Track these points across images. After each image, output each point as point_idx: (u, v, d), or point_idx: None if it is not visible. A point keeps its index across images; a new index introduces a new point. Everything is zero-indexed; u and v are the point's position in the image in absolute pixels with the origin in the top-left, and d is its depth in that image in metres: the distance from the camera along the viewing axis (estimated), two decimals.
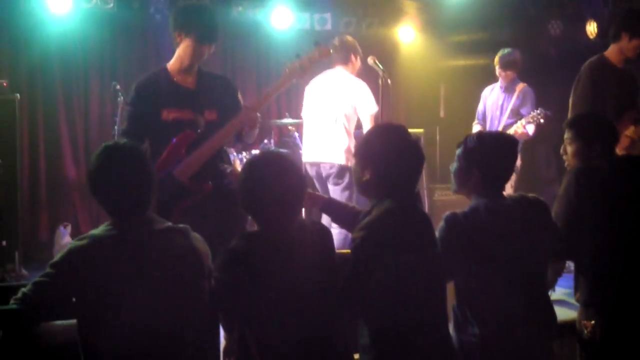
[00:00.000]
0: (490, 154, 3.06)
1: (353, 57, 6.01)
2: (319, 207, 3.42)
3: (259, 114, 4.00)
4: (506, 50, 6.86)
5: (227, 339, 3.21)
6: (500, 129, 6.60)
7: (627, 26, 5.05)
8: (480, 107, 7.12)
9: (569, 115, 5.10)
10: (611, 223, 3.35)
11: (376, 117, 5.79)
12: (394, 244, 2.75)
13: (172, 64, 4.06)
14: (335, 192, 5.74)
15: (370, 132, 3.09)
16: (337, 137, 5.80)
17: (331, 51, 4.12)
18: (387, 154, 2.88)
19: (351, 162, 5.70)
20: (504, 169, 3.15)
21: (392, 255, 2.73)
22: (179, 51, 4.02)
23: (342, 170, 5.78)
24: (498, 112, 6.87)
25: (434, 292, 2.89)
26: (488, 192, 3.05)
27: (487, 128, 6.76)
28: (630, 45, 5.03)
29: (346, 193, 5.73)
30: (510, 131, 6.41)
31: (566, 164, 3.67)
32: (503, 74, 6.82)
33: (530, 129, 6.46)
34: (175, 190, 3.77)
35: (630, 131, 4.93)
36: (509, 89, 6.83)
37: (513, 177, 6.60)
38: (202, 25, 3.95)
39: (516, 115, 6.69)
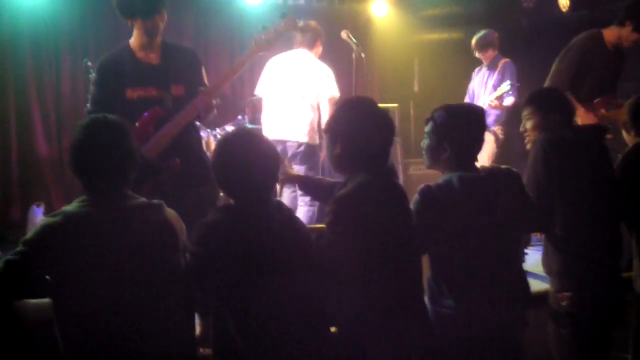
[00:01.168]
0: (459, 126, 3.07)
1: (318, 43, 5.98)
2: (298, 186, 3.43)
3: (215, 99, 3.97)
4: (481, 33, 7.01)
5: (201, 325, 3.21)
6: (484, 105, 6.68)
7: (634, 17, 4.99)
8: (470, 86, 7.30)
9: (547, 80, 5.12)
10: (580, 191, 3.40)
11: (338, 100, 5.80)
12: (368, 216, 2.75)
13: (133, 41, 4.03)
14: (300, 171, 5.64)
15: (338, 106, 3.10)
16: (304, 115, 5.78)
17: (299, 23, 4.07)
18: (356, 126, 2.90)
19: (313, 141, 5.73)
20: (475, 140, 3.15)
21: (366, 228, 2.74)
22: (135, 31, 4.00)
23: (309, 149, 5.77)
24: (483, 89, 6.99)
25: (409, 265, 2.91)
26: (461, 165, 3.06)
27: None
28: (630, 36, 5.02)
29: (311, 173, 5.68)
30: (485, 106, 6.52)
31: (526, 140, 3.69)
32: (482, 55, 6.93)
33: (509, 101, 6.57)
34: (144, 169, 3.75)
35: (600, 114, 4.97)
36: (491, 67, 7.01)
37: (493, 151, 6.70)
38: (138, 3, 3.89)
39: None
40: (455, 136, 3.07)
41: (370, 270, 2.76)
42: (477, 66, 7.26)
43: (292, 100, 5.79)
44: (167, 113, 3.88)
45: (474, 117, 3.16)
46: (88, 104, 6.34)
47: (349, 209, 2.77)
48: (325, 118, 5.76)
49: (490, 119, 6.75)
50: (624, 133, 3.91)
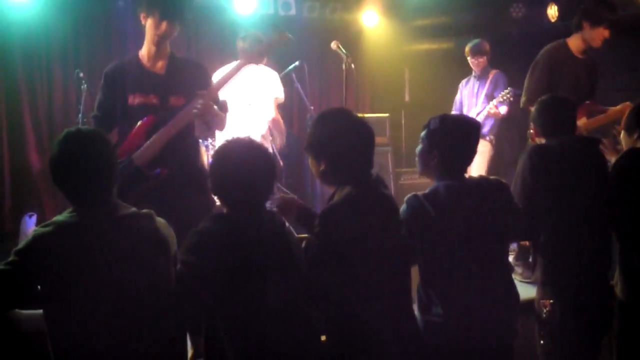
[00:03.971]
0: (450, 136, 3.09)
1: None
2: (294, 217, 3.21)
3: (214, 102, 3.98)
4: (476, 41, 7.07)
5: (193, 347, 3.18)
6: (475, 114, 6.74)
7: (587, 15, 5.07)
8: (457, 97, 7.31)
9: (522, 97, 5.20)
10: (564, 200, 3.44)
11: (280, 107, 5.95)
12: (355, 229, 2.77)
13: (142, 51, 4.09)
14: None
15: (314, 122, 3.07)
16: (253, 122, 5.82)
17: (289, 36, 4.11)
18: (337, 142, 2.90)
19: (270, 147, 5.78)
20: (465, 152, 3.17)
21: (353, 241, 2.76)
22: (146, 34, 4.03)
23: None
24: (474, 99, 7.04)
25: (399, 274, 2.93)
26: (449, 174, 3.09)
27: None
28: (593, 33, 5.08)
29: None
30: (484, 112, 6.59)
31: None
32: (475, 61, 6.97)
33: (503, 109, 6.65)
34: (132, 175, 3.76)
35: (582, 122, 5.01)
36: (481, 77, 7.04)
37: (490, 159, 6.74)
38: (164, 2, 3.93)
39: (490, 99, 6.84)
40: (445, 144, 3.09)
41: (359, 282, 2.77)
42: (467, 76, 7.30)
43: (239, 108, 5.79)
44: (161, 121, 3.90)
45: (468, 129, 3.18)
46: (80, 114, 6.39)
47: (336, 222, 2.79)
48: (270, 115, 5.89)
49: (485, 129, 6.82)
50: (623, 134, 3.91)
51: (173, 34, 4.02)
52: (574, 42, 5.18)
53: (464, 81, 7.34)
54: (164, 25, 3.95)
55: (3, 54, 7.21)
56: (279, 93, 5.96)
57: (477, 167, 6.54)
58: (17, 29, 7.20)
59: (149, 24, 3.99)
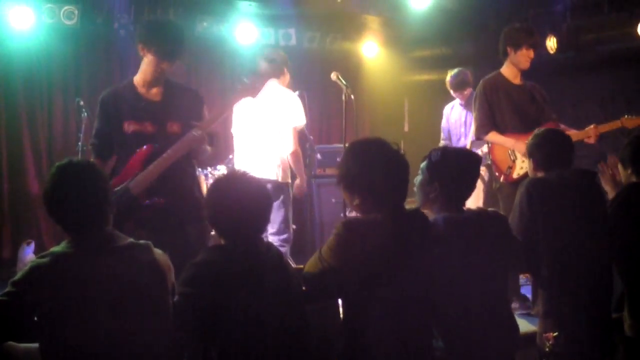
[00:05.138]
0: (451, 169, 3.10)
1: (285, 70, 5.89)
2: None
3: (206, 133, 3.98)
4: (454, 72, 7.05)
5: None
6: (468, 145, 6.70)
7: (508, 40, 5.24)
8: (443, 124, 7.24)
9: (472, 128, 5.37)
10: (565, 232, 3.44)
11: (300, 132, 5.79)
12: (358, 253, 2.76)
13: (137, 77, 4.08)
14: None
15: (345, 153, 3.02)
16: (271, 154, 5.68)
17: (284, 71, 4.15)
18: (367, 175, 2.86)
19: (283, 179, 5.65)
20: (465, 185, 3.18)
21: (360, 259, 2.75)
22: (143, 64, 4.04)
23: (277, 187, 5.62)
24: (463, 129, 6.97)
25: (415, 308, 2.91)
26: (448, 206, 3.09)
27: (453, 145, 6.85)
28: (518, 57, 5.21)
29: (281, 212, 5.63)
30: (478, 151, 6.55)
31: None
32: (460, 94, 6.96)
33: None
34: (128, 204, 3.76)
35: None
36: (468, 105, 6.90)
37: (486, 190, 6.70)
38: (162, 42, 3.94)
39: None
40: (445, 177, 3.09)
41: (365, 310, 2.77)
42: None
43: (262, 137, 5.69)
44: (159, 150, 3.90)
45: (468, 163, 3.19)
46: (80, 142, 6.38)
47: (352, 233, 2.79)
48: (288, 148, 5.66)
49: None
50: (620, 167, 3.93)
51: (172, 68, 4.04)
52: (507, 70, 5.30)
53: (448, 107, 7.29)
54: (161, 64, 3.97)
55: (4, 82, 7.25)
56: (298, 120, 5.71)
57: (473, 198, 6.50)
58: (18, 57, 7.25)
59: (147, 58, 4.00)
